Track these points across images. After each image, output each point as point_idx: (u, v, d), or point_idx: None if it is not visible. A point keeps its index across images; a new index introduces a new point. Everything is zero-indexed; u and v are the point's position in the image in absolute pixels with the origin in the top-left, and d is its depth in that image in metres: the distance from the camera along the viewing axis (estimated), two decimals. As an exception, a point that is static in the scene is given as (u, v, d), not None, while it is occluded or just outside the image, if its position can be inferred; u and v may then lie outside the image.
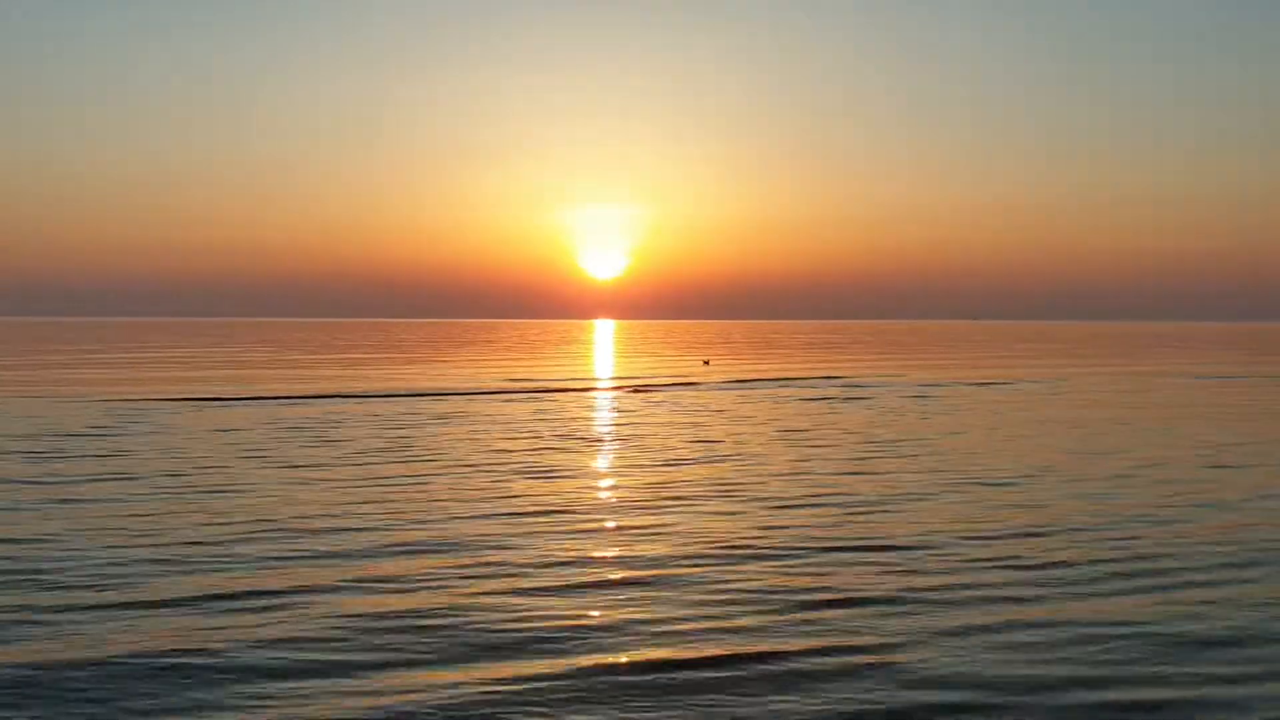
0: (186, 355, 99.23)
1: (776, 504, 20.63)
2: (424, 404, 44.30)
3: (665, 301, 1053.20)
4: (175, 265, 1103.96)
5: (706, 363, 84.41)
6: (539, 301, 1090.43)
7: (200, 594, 13.89)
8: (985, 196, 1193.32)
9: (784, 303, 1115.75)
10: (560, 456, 27.67)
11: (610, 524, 18.73)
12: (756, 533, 17.82)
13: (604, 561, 15.88)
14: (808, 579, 14.81)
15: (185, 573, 15.02)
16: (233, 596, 13.78)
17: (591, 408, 43.57)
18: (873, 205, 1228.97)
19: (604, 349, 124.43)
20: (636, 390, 54.18)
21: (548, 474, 24.68)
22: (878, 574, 15.09)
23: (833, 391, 52.84)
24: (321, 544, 16.85)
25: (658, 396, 49.44)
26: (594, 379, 64.88)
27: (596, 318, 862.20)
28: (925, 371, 72.00)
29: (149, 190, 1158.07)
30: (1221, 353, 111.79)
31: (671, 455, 28.02)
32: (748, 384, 59.39)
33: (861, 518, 19.23)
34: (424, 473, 24.64)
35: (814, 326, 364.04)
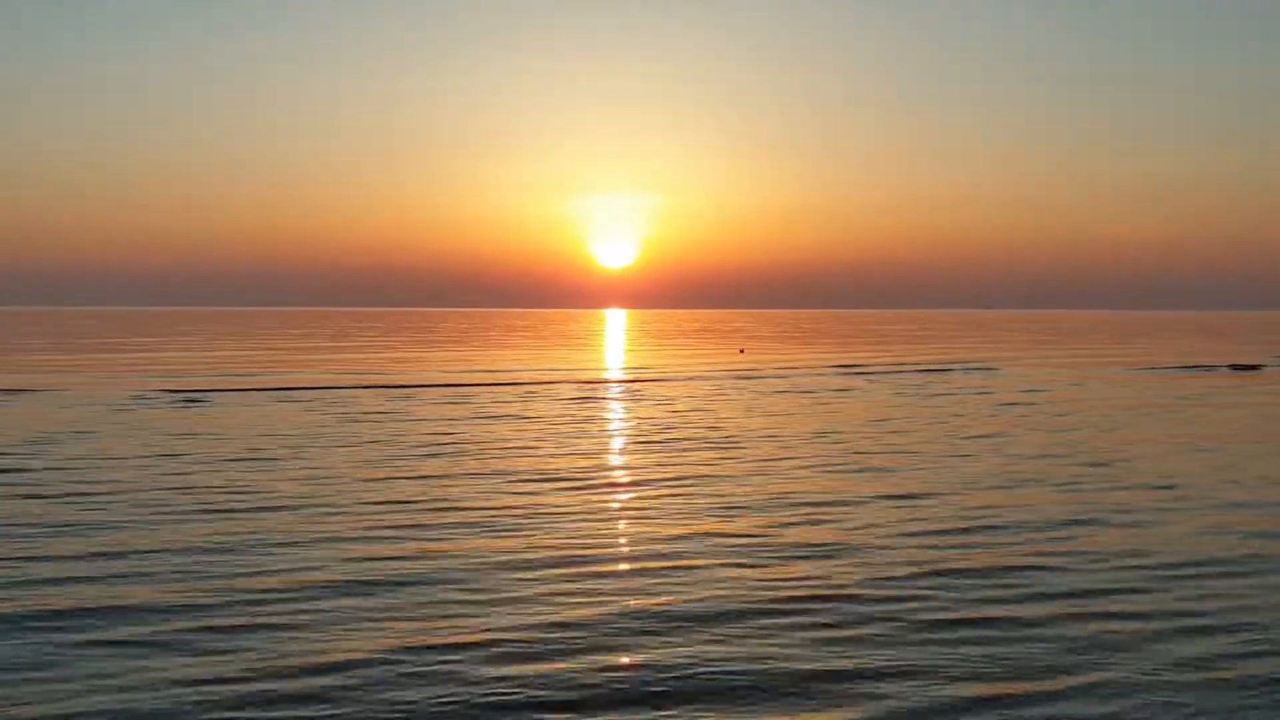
0: (315, 344, 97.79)
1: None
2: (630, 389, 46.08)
3: (676, 291, 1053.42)
4: (178, 257, 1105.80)
5: (741, 351, 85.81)
6: (549, 291, 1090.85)
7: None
8: (998, 185, 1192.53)
9: (790, 293, 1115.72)
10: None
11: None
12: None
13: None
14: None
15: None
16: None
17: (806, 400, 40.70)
18: (882, 194, 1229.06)
19: (655, 340, 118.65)
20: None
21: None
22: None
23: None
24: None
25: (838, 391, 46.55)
26: (713, 368, 61.87)
27: (607, 307, 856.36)
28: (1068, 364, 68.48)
29: (158, 184, 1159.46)
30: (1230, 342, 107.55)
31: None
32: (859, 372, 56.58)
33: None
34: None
35: (821, 317, 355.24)
